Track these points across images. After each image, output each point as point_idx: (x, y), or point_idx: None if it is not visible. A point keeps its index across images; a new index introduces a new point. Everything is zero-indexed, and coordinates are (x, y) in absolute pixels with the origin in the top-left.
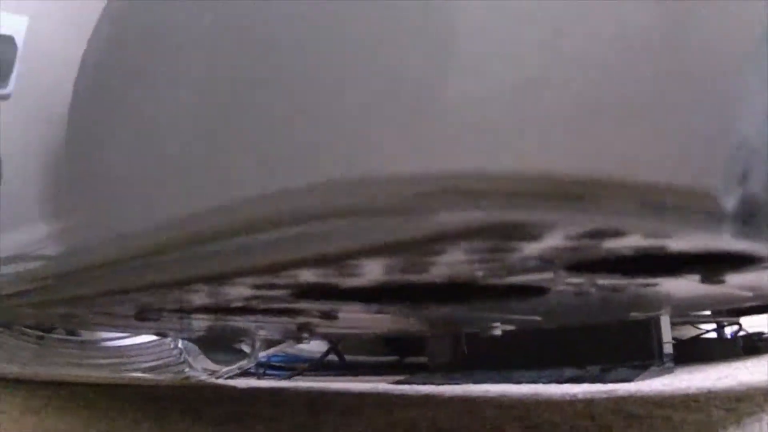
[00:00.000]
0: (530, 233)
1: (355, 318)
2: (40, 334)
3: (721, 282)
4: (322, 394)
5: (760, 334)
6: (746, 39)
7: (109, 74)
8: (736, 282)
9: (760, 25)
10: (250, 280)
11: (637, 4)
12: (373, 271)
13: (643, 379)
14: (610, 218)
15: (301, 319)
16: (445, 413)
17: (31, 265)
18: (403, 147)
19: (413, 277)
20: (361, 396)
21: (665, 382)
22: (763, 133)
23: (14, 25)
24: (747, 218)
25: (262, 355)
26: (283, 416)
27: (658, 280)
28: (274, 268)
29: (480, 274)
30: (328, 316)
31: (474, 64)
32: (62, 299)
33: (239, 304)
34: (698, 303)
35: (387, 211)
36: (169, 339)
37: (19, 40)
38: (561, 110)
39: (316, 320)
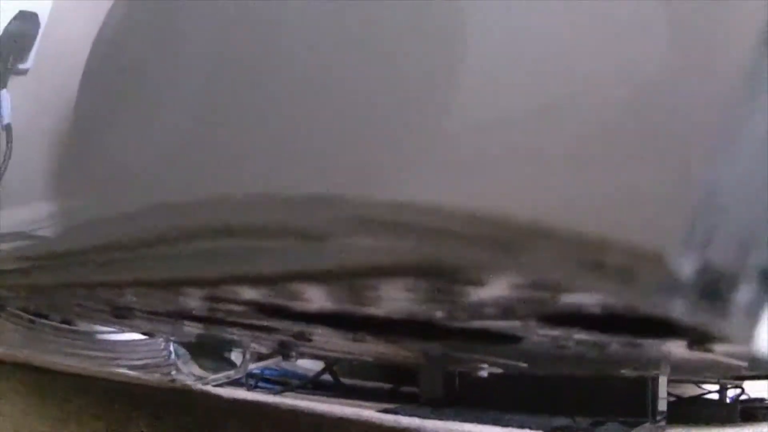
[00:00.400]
0: (462, 278)
1: (333, 342)
2: (32, 318)
3: (709, 351)
4: (301, 414)
5: (762, 399)
6: (721, 101)
7: (116, 63)
8: (727, 351)
9: (735, 91)
10: (195, 290)
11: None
12: (316, 297)
13: None
14: (542, 271)
15: (277, 337)
16: None
17: (25, 244)
18: (335, 172)
19: (366, 309)
20: (339, 420)
21: None
22: (734, 191)
23: (40, 2)
24: (705, 291)
25: (254, 367)
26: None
27: (641, 341)
28: (208, 282)
29: (438, 314)
30: (302, 337)
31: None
32: (45, 285)
33: (203, 313)
34: (690, 368)
35: (302, 233)
36: (160, 340)
37: (43, 18)
38: (497, 154)
39: (291, 339)
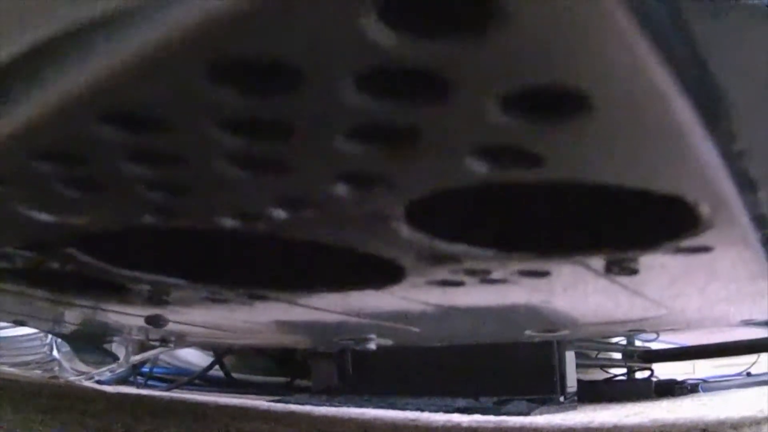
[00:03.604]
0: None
1: (196, 311)
2: None
3: (634, 271)
4: (186, 405)
5: (673, 380)
6: None
7: None
8: (651, 273)
9: None
10: None
11: None
12: None
13: (540, 414)
14: None
15: (134, 306)
16: (295, 430)
17: None
18: None
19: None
20: (226, 409)
21: (566, 417)
22: None
23: None
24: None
25: (137, 359)
26: (102, 417)
27: (546, 265)
28: None
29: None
30: (159, 299)
31: None
32: None
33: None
34: (602, 319)
35: None
36: (41, 334)
37: None
38: None
39: (152, 312)
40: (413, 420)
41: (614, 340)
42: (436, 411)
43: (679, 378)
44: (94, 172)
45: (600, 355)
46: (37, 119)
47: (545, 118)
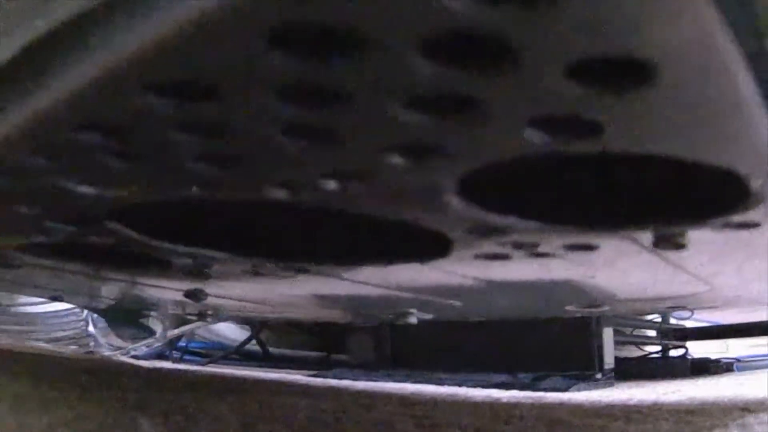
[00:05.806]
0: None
1: (236, 284)
2: None
3: (681, 246)
4: (223, 380)
5: (708, 359)
6: None
7: None
8: (696, 249)
9: None
10: None
11: None
12: None
13: (578, 390)
14: None
15: (173, 281)
16: (335, 404)
17: None
18: None
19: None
20: (265, 383)
21: (603, 394)
22: None
23: None
24: None
25: (174, 333)
26: (140, 393)
27: (594, 238)
28: None
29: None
30: (200, 272)
31: None
32: None
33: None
34: (643, 295)
35: None
36: (77, 309)
37: None
38: None
39: (191, 286)
40: (452, 395)
41: (649, 317)
42: (474, 386)
43: (714, 357)
44: (141, 143)
45: (635, 333)
46: (83, 89)
47: (610, 88)
